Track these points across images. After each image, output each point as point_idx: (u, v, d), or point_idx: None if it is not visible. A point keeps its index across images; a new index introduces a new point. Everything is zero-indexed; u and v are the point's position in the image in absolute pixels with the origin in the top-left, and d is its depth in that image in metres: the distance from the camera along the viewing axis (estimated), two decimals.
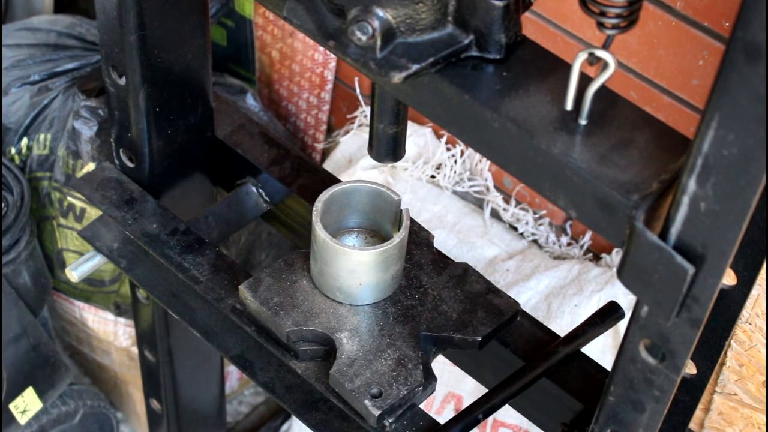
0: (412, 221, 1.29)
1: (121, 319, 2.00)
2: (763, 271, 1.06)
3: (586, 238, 1.77)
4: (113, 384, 2.18)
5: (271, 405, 2.32)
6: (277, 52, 1.95)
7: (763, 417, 1.52)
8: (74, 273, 1.42)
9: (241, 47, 2.00)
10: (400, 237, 1.20)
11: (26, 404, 1.93)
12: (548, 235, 1.80)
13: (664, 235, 0.87)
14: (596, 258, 1.78)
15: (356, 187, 1.25)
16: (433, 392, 1.21)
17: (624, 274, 0.92)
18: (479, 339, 1.21)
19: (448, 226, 1.81)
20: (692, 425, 1.32)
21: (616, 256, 1.73)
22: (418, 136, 1.85)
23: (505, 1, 0.93)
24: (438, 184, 1.85)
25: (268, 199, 1.44)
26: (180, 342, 1.61)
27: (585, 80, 0.91)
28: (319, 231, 1.19)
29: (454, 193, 1.85)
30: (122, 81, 1.29)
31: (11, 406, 1.91)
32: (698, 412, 1.57)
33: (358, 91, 1.91)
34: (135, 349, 2.03)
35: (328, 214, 1.23)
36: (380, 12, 0.94)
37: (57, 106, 1.85)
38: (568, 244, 1.79)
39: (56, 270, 1.95)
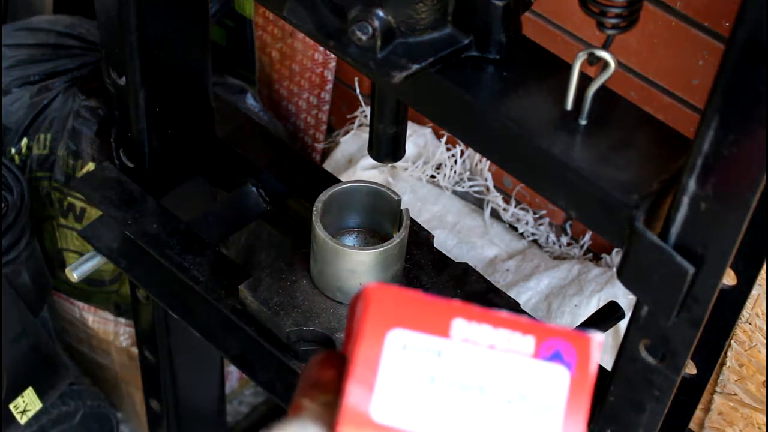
0: (412, 221, 1.29)
1: (121, 319, 2.00)
2: (763, 271, 1.06)
3: (586, 238, 1.77)
4: (113, 384, 2.18)
5: (271, 405, 2.32)
6: (277, 52, 1.95)
7: (763, 417, 1.52)
8: (74, 273, 1.42)
9: (241, 47, 2.00)
10: (400, 237, 1.20)
11: (26, 404, 1.93)
12: (548, 235, 1.80)
13: (664, 235, 0.87)
14: (596, 258, 1.78)
15: (356, 187, 1.25)
16: None
17: (624, 274, 0.92)
18: None
19: (448, 226, 1.81)
20: (692, 425, 1.32)
21: (616, 256, 1.72)
22: (418, 136, 1.85)
23: (505, 1, 0.93)
24: (438, 184, 1.85)
25: (268, 199, 1.44)
26: (180, 342, 1.61)
27: (585, 80, 0.91)
28: (319, 231, 1.19)
29: (454, 193, 1.85)
30: (122, 81, 1.29)
31: (11, 406, 1.91)
32: (698, 412, 1.57)
33: (358, 91, 1.91)
34: (135, 349, 2.03)
35: (328, 214, 1.23)
36: (380, 12, 0.94)
37: (57, 106, 1.85)
38: (568, 244, 1.79)
39: (56, 270, 1.95)
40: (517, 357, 0.68)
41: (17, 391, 1.91)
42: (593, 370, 0.68)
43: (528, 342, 0.68)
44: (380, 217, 1.26)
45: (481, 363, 0.68)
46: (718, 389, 1.54)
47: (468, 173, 1.84)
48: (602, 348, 0.68)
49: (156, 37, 1.26)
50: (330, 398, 0.71)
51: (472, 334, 0.68)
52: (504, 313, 0.69)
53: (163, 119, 1.34)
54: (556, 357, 0.68)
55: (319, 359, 0.74)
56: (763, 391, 1.49)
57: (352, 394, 0.67)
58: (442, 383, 0.67)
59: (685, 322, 0.92)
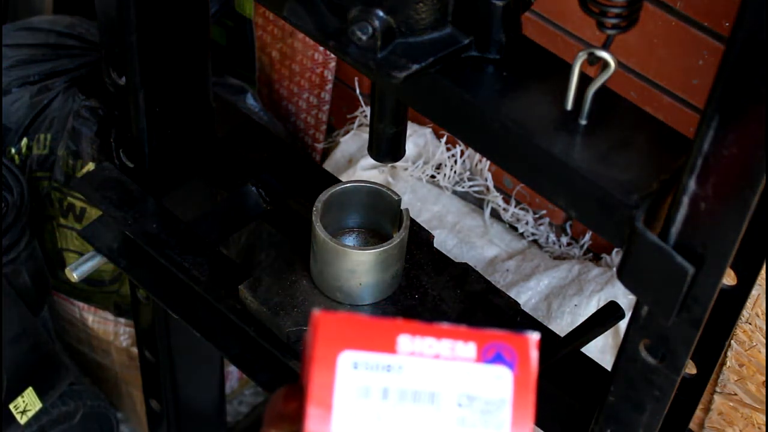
0: (412, 221, 1.29)
1: (121, 319, 2.00)
2: (763, 271, 1.06)
3: (586, 238, 1.77)
4: (113, 384, 2.18)
5: None
6: (277, 52, 1.95)
7: (763, 417, 1.52)
8: (74, 273, 1.42)
9: (241, 47, 2.00)
10: (400, 237, 1.20)
11: (26, 404, 1.93)
12: (548, 235, 1.80)
13: (664, 235, 0.87)
14: (596, 258, 1.78)
15: (356, 187, 1.25)
16: None
17: (624, 274, 0.92)
18: None
19: (448, 226, 1.81)
20: (692, 425, 1.32)
21: (616, 256, 1.73)
22: (418, 136, 1.85)
23: (505, 1, 0.93)
24: (438, 184, 1.85)
25: (268, 199, 1.44)
26: (180, 342, 1.61)
27: (585, 80, 0.91)
28: (319, 231, 1.19)
29: (454, 193, 1.85)
30: (122, 81, 1.29)
31: (11, 406, 1.91)
32: (698, 412, 1.57)
33: (358, 91, 1.91)
34: (135, 349, 2.03)
35: (328, 214, 1.23)
36: (380, 12, 0.94)
37: (57, 106, 1.85)
38: (568, 244, 1.79)
39: (56, 270, 1.95)
40: (461, 363, 0.72)
41: (17, 391, 1.91)
42: (534, 366, 0.72)
43: (470, 348, 0.72)
44: (380, 217, 1.26)
45: (428, 373, 0.72)
46: (718, 389, 1.54)
47: (468, 173, 1.84)
48: (538, 346, 0.74)
49: (156, 37, 1.26)
50: (295, 428, 0.75)
51: (417, 347, 0.72)
52: (445, 325, 0.73)
53: (163, 119, 1.34)
54: (497, 359, 0.72)
55: (282, 393, 0.79)
56: (763, 391, 1.49)
57: (313, 417, 0.71)
58: (395, 395, 0.72)
59: (685, 322, 0.92)
